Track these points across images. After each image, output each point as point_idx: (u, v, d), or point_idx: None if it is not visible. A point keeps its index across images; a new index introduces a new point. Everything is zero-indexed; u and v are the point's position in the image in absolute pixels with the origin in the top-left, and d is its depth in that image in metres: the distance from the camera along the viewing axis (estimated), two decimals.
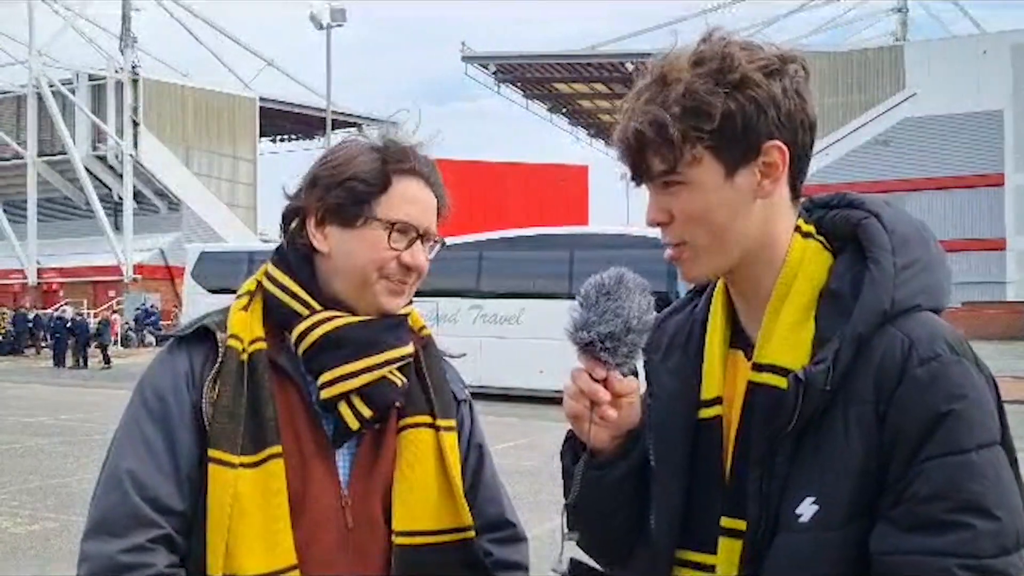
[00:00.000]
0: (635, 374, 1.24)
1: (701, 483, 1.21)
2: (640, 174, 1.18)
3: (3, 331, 33.18)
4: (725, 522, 1.17)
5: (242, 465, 1.34)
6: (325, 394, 1.39)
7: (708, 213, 1.15)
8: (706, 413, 1.22)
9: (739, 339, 1.24)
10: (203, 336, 1.43)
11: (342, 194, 1.42)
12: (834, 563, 1.09)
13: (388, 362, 1.41)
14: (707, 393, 1.22)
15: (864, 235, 1.17)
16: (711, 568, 1.18)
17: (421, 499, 1.43)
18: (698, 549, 1.20)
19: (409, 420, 1.46)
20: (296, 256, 1.46)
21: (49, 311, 34.05)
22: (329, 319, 1.41)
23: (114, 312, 36.53)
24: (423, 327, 1.55)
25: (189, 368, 1.40)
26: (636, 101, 1.16)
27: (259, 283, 1.48)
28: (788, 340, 1.15)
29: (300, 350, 1.41)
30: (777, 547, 1.11)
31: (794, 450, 1.11)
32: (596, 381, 1.19)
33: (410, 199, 1.44)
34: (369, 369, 1.39)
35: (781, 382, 1.13)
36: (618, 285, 1.20)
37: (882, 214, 1.19)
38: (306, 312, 1.42)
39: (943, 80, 41.53)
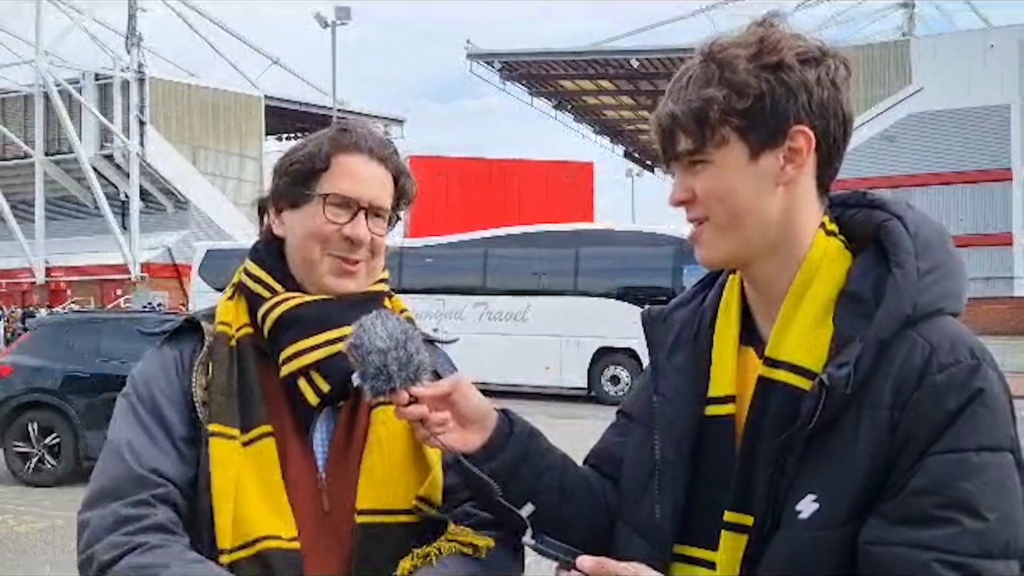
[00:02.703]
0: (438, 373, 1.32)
1: (707, 479, 1.21)
2: (668, 154, 1.20)
3: (12, 330, 33.31)
4: (730, 516, 1.16)
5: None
6: (284, 371, 1.41)
7: (729, 194, 1.16)
8: (716, 410, 1.22)
9: (750, 336, 1.23)
10: (190, 329, 1.48)
11: (289, 178, 1.48)
12: (831, 562, 1.08)
13: (344, 337, 1.37)
14: (718, 390, 1.22)
15: (887, 238, 1.16)
16: (712, 564, 1.18)
17: (389, 476, 1.42)
18: (699, 545, 1.20)
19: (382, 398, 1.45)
20: (266, 246, 1.52)
21: (56, 310, 34.13)
22: (286, 300, 1.44)
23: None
24: (403, 310, 1.56)
25: (178, 356, 1.45)
26: (679, 82, 1.18)
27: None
28: (806, 339, 1.14)
29: (265, 332, 1.44)
30: (776, 543, 1.11)
31: (804, 449, 1.11)
32: (408, 406, 1.25)
33: (349, 173, 1.46)
34: (324, 344, 1.40)
35: (798, 381, 1.12)
36: (358, 332, 1.25)
37: (905, 217, 1.18)
38: (269, 295, 1.46)
39: (950, 75, 41.34)
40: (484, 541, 1.38)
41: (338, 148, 1.47)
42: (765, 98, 1.13)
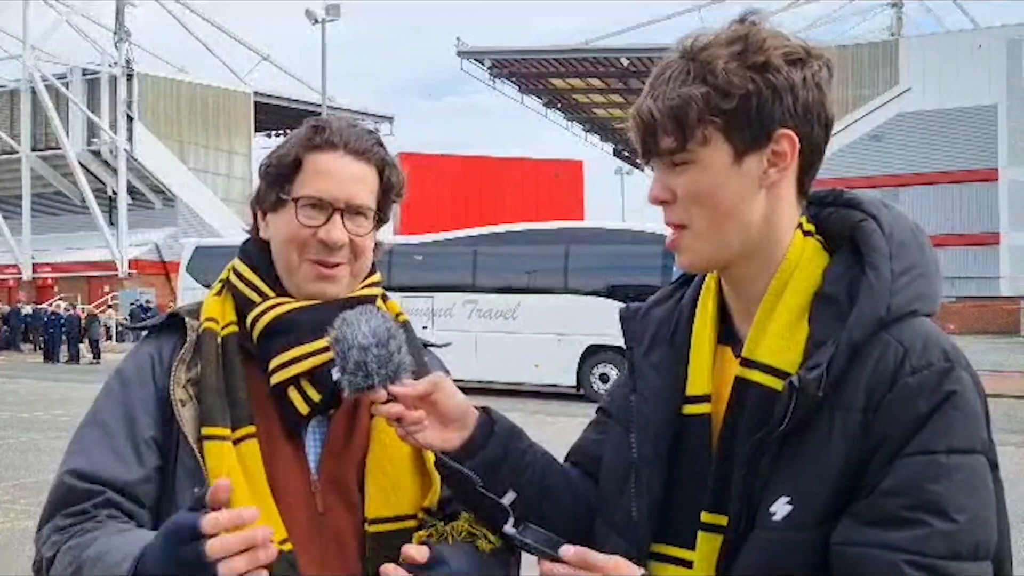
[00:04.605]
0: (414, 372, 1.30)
1: (684, 478, 1.21)
2: (648, 151, 1.18)
3: None
4: (706, 517, 1.16)
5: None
6: (274, 379, 1.38)
7: (712, 195, 1.14)
8: (693, 409, 1.22)
9: (727, 335, 1.23)
10: (173, 325, 1.45)
11: (266, 181, 1.45)
12: (804, 563, 1.08)
13: None
14: (694, 389, 1.22)
15: (862, 239, 1.16)
16: (689, 563, 1.18)
17: (396, 482, 1.40)
18: (677, 544, 1.20)
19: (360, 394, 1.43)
20: (256, 247, 1.48)
21: (42, 306, 33.93)
22: (277, 304, 1.41)
23: (108, 307, 36.45)
24: (399, 314, 1.52)
25: (157, 353, 1.42)
26: (660, 77, 1.16)
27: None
28: (782, 340, 1.14)
29: (254, 337, 1.41)
30: (750, 544, 1.11)
31: (778, 451, 1.11)
32: (386, 404, 1.25)
33: (323, 173, 1.40)
34: (316, 352, 1.37)
35: (772, 382, 1.12)
36: (341, 326, 1.25)
37: (880, 217, 1.18)
38: (259, 299, 1.43)
39: (938, 75, 41.55)
40: (488, 544, 1.35)
41: (310, 147, 1.41)
42: (751, 99, 1.11)
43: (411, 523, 1.40)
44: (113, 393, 1.40)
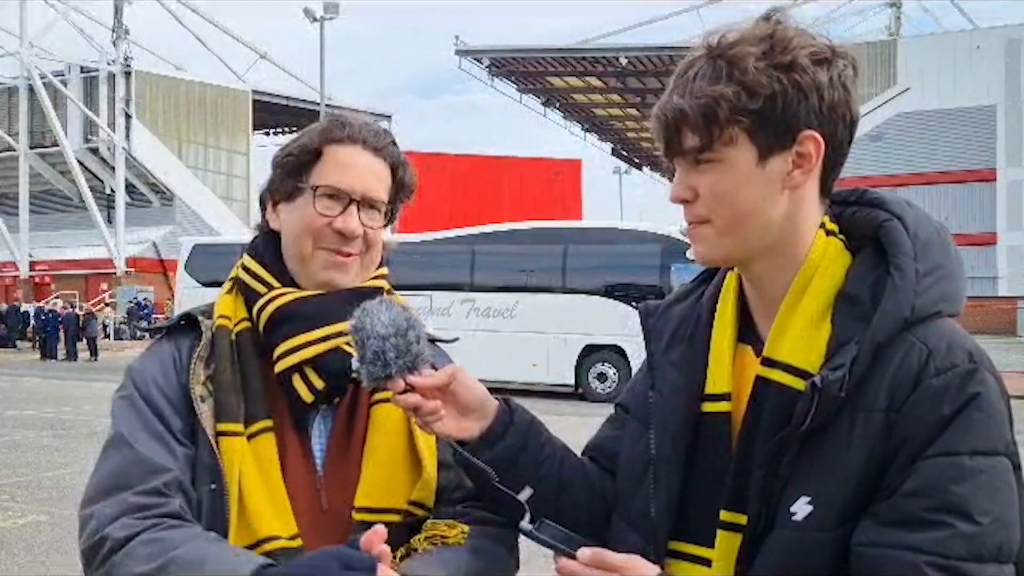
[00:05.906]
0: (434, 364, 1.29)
1: (703, 476, 1.20)
2: (672, 149, 1.17)
3: None
4: (725, 516, 1.16)
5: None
6: (279, 367, 1.39)
7: (735, 195, 1.14)
8: (713, 407, 1.21)
9: (748, 334, 1.23)
10: (187, 325, 1.47)
11: (282, 170, 1.47)
12: (824, 563, 1.08)
13: (341, 333, 1.36)
14: (714, 388, 1.21)
15: (887, 239, 1.15)
16: (707, 561, 1.17)
17: (387, 476, 1.41)
18: (695, 541, 1.20)
19: (380, 396, 1.43)
20: (264, 240, 1.50)
21: (39, 304, 33.88)
22: (282, 295, 1.43)
23: (106, 305, 36.42)
24: (405, 308, 1.52)
25: (176, 352, 1.43)
26: (685, 75, 1.14)
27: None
28: (803, 339, 1.13)
29: (260, 328, 1.42)
30: (769, 544, 1.11)
31: (799, 450, 1.10)
32: (403, 394, 1.24)
33: (341, 165, 1.44)
34: (320, 340, 1.38)
35: (794, 382, 1.12)
36: (360, 315, 1.25)
37: (905, 216, 1.17)
38: (265, 291, 1.44)
39: (936, 75, 41.58)
40: (455, 530, 1.36)
41: (330, 139, 1.44)
42: (777, 99, 1.10)
43: (392, 516, 1.39)
44: (142, 392, 1.39)
